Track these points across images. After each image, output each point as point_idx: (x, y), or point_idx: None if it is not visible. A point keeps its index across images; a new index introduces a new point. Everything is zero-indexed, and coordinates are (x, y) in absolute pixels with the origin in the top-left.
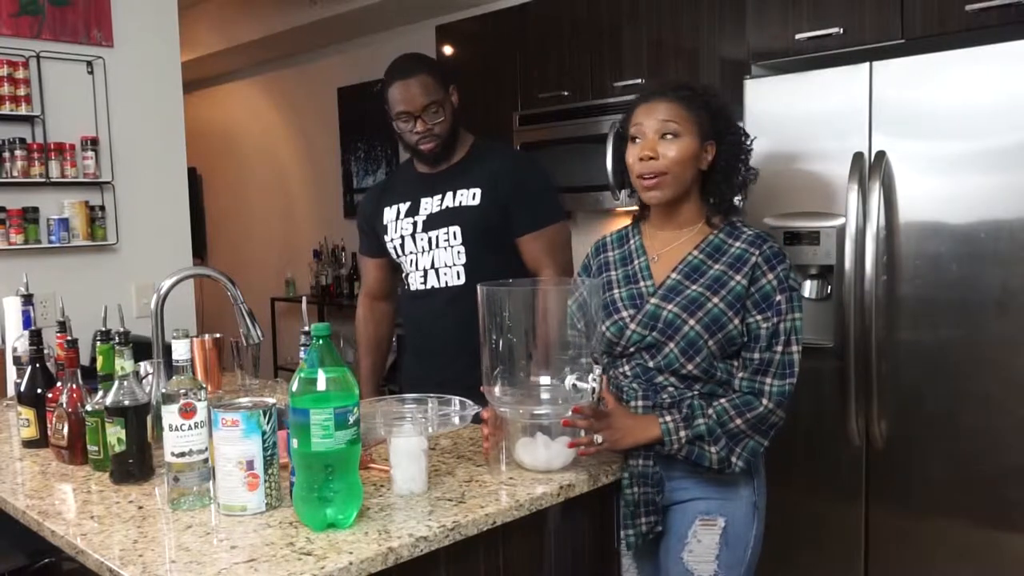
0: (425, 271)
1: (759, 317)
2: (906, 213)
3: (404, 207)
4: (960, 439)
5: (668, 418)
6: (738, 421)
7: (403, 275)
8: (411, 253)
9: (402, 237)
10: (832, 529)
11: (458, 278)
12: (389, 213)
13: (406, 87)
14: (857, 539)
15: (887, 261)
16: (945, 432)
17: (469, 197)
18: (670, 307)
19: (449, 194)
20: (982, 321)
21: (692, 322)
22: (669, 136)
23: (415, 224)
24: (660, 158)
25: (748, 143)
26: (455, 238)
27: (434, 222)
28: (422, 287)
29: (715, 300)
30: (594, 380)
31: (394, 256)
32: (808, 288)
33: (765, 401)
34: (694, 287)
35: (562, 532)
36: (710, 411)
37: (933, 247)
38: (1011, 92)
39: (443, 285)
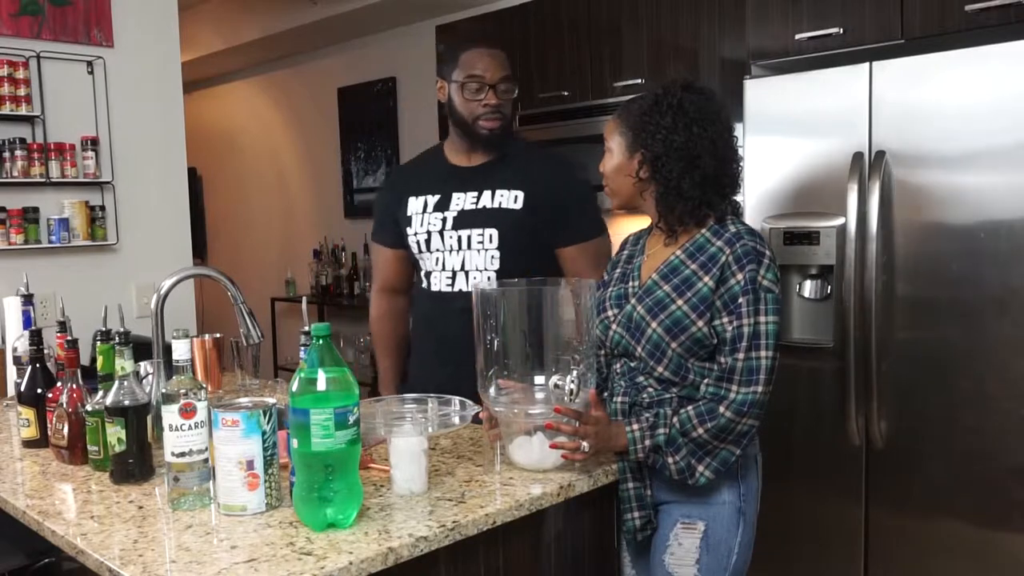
0: (453, 272)
1: (725, 320)
2: (906, 213)
3: (433, 200)
4: (960, 439)
5: (635, 426)
6: (700, 430)
7: (421, 272)
8: (438, 251)
9: (428, 233)
10: (832, 529)
11: (489, 283)
12: (415, 204)
13: (487, 55)
14: (857, 539)
15: (887, 261)
16: (945, 432)
17: (511, 200)
18: (640, 308)
19: (487, 193)
20: (982, 321)
21: (655, 324)
22: (605, 153)
23: (444, 220)
24: (603, 175)
25: (680, 143)
26: (491, 241)
27: (467, 220)
28: (448, 289)
29: (679, 302)
30: (572, 381)
31: (415, 251)
32: (808, 288)
33: (723, 410)
34: (665, 287)
35: (562, 532)
36: (674, 419)
37: (933, 247)
38: (1011, 92)
39: (471, 289)
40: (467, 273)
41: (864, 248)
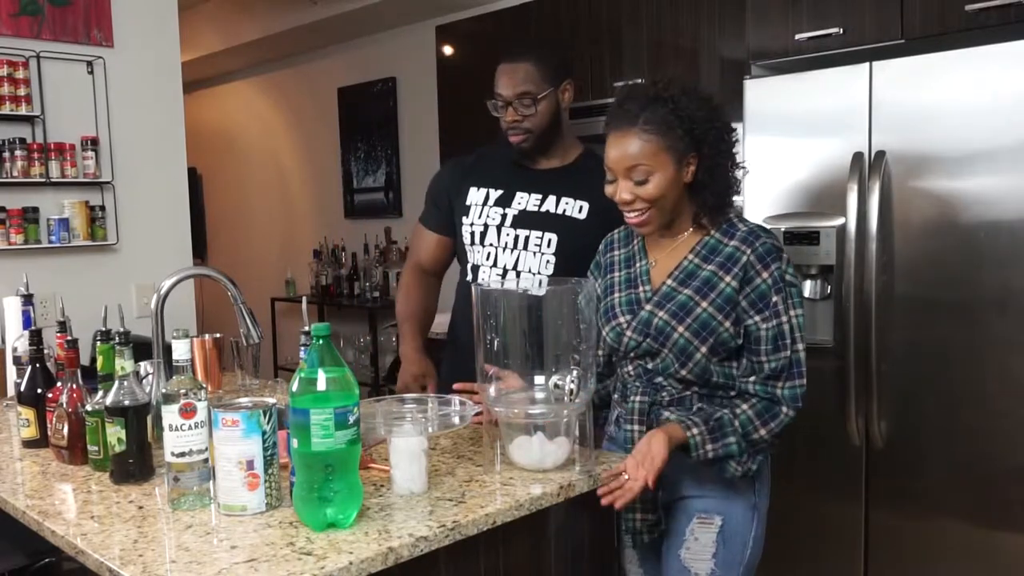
0: (505, 270)
1: (758, 319)
2: (906, 213)
3: (495, 194)
4: (960, 439)
5: (695, 430)
6: (763, 431)
7: (467, 264)
8: (491, 246)
9: (485, 225)
10: (832, 529)
11: (539, 287)
12: (475, 195)
13: (506, 71)
14: (857, 539)
15: (887, 261)
16: (945, 432)
17: (575, 209)
18: (661, 314)
19: (552, 198)
20: (982, 321)
21: (681, 329)
22: (639, 179)
23: (504, 216)
24: (636, 200)
25: (730, 136)
26: (549, 246)
27: (527, 221)
28: (496, 286)
29: (704, 304)
30: (572, 382)
31: (466, 241)
32: (808, 288)
33: (785, 408)
34: (686, 291)
35: (562, 532)
36: (737, 424)
37: (933, 247)
38: (1011, 92)
39: (520, 291)
40: (519, 273)
41: (864, 248)
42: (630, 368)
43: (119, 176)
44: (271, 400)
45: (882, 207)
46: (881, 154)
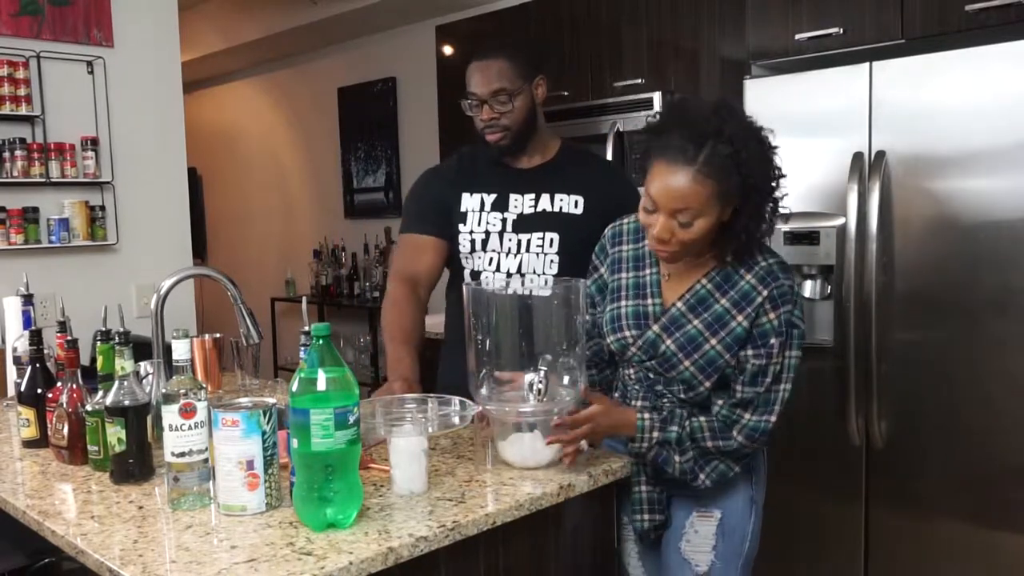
0: (509, 274)
1: (751, 352)
2: (906, 213)
3: (490, 199)
4: (960, 439)
5: (647, 415)
6: (709, 443)
7: (465, 271)
8: (493, 251)
9: (487, 232)
10: (832, 529)
11: (545, 286)
12: (470, 201)
13: (478, 69)
14: (857, 539)
15: (887, 261)
16: (945, 432)
17: (571, 204)
18: (668, 342)
19: (545, 196)
20: (982, 321)
21: (687, 363)
22: (684, 220)
23: (504, 221)
24: (672, 241)
25: (779, 182)
26: (551, 245)
27: (527, 224)
28: (500, 290)
29: (713, 341)
30: (540, 381)
31: (465, 249)
32: (808, 288)
33: (735, 434)
34: (695, 322)
35: (562, 532)
36: (686, 423)
37: (933, 247)
38: (1011, 92)
39: (526, 292)
40: (523, 276)
41: (864, 248)
42: (631, 371)
43: (119, 176)
44: (271, 400)
45: (882, 207)
46: (881, 154)
